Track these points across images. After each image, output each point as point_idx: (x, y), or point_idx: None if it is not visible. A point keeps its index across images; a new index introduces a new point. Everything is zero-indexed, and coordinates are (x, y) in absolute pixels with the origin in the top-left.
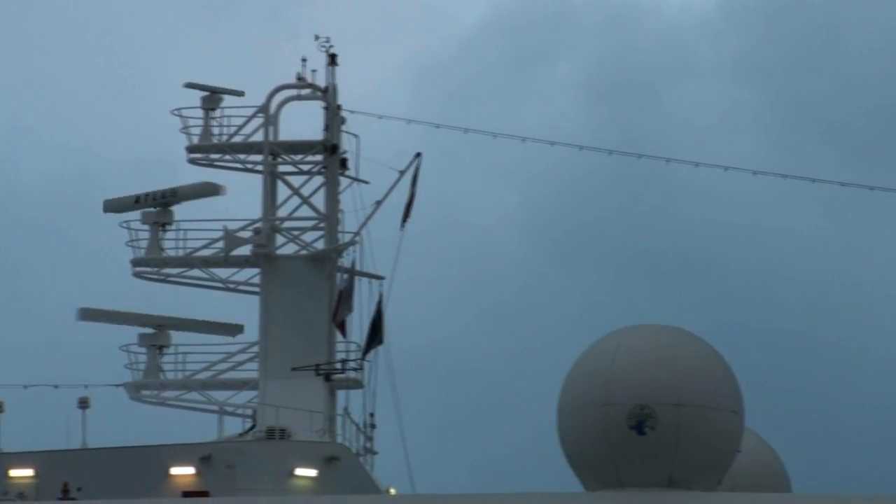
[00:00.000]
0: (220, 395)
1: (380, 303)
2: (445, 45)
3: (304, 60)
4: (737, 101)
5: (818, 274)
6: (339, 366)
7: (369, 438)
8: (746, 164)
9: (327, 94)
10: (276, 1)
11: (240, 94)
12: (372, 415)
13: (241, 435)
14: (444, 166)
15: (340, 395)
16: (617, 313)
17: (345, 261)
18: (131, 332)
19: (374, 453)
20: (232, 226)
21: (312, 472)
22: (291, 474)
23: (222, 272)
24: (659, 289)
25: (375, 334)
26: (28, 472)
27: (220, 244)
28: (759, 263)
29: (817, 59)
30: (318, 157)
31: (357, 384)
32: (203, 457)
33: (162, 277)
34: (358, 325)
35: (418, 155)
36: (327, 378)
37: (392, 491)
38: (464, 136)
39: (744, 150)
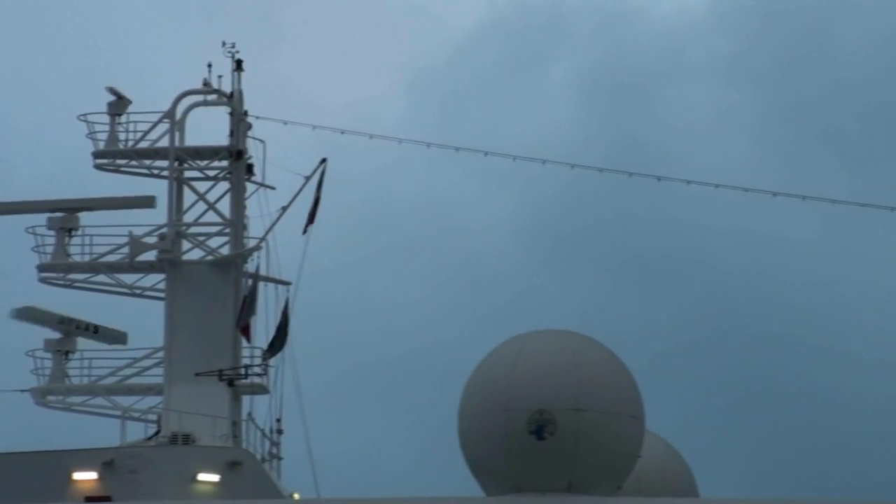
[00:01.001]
0: (126, 401)
1: (286, 308)
2: (441, 49)
3: (209, 66)
4: (729, 103)
5: (812, 278)
6: (242, 371)
7: (275, 444)
8: (740, 167)
9: (232, 100)
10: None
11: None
12: (279, 420)
13: (146, 440)
14: (438, 169)
15: (245, 400)
16: (613, 317)
17: (250, 266)
18: (37, 338)
19: (280, 458)
20: (138, 231)
21: (215, 478)
22: (194, 479)
23: (128, 278)
24: (653, 292)
25: (280, 339)
26: None
27: (126, 250)
28: (753, 268)
29: (809, 61)
30: (224, 163)
31: (262, 389)
32: (105, 462)
33: (68, 283)
34: (264, 330)
35: (324, 160)
36: (230, 383)
37: (296, 496)
38: (455, 142)
39: (737, 153)
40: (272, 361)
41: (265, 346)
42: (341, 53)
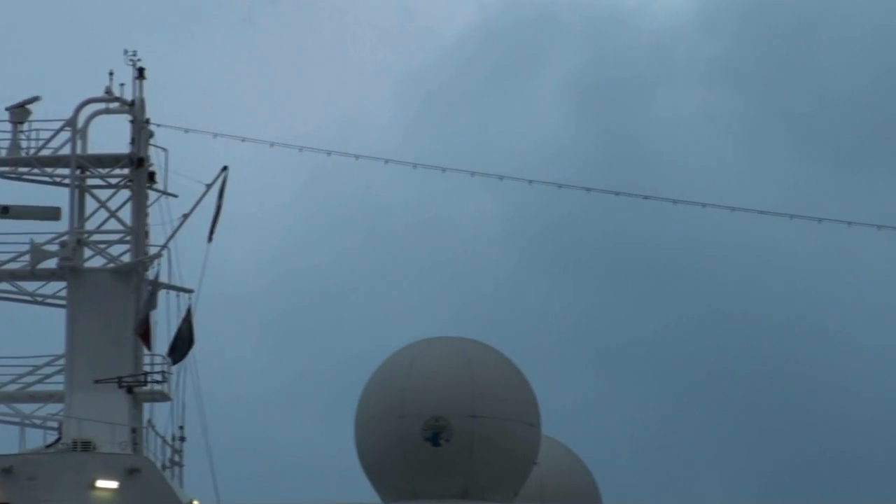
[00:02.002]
0: (28, 408)
1: (188, 313)
2: (435, 53)
3: (111, 74)
4: (716, 106)
5: (798, 288)
6: (141, 378)
7: (177, 451)
8: (727, 169)
9: (134, 108)
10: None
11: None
12: (182, 427)
13: (46, 447)
14: (429, 172)
15: (147, 407)
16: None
17: (150, 273)
18: None
19: (181, 465)
20: (39, 239)
21: (113, 484)
22: (92, 486)
23: (29, 285)
24: (642, 299)
25: (182, 346)
26: None
27: (27, 257)
28: (740, 277)
29: (793, 63)
30: (126, 171)
31: (163, 397)
32: (4, 468)
33: None
34: (166, 337)
35: (225, 168)
36: (130, 390)
37: (195, 503)
38: (448, 141)
39: (724, 155)
40: (172, 368)
41: (167, 354)
42: (331, 60)
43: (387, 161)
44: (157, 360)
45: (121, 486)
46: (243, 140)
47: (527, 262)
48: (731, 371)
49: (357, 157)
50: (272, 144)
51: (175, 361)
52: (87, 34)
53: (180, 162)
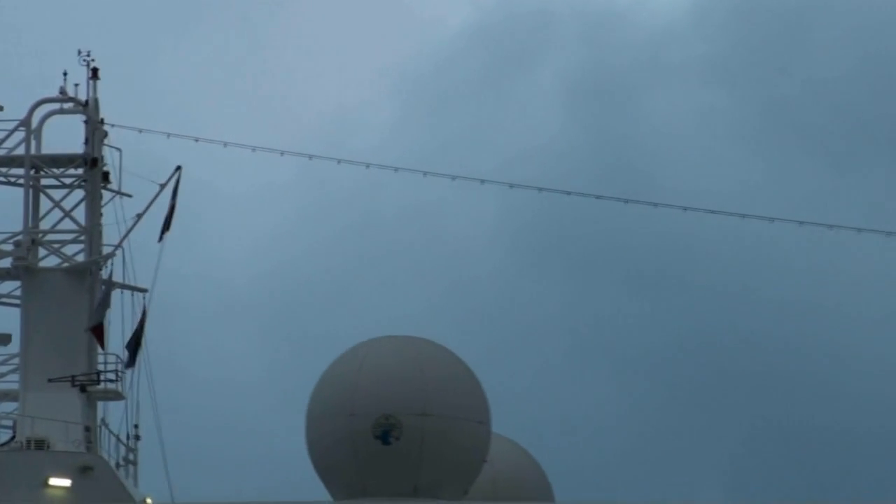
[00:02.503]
0: None
1: (143, 315)
2: (430, 52)
3: (65, 74)
4: (708, 103)
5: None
6: (95, 377)
7: (132, 450)
8: (721, 166)
9: (88, 108)
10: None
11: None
12: (136, 426)
13: (0, 446)
14: (417, 165)
15: (101, 406)
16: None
17: (104, 273)
18: None
19: (134, 464)
20: None
21: (66, 482)
22: (46, 484)
23: None
24: (632, 295)
25: (138, 344)
26: None
27: None
28: (737, 274)
29: (784, 61)
30: (80, 171)
31: (117, 395)
32: None
33: None
34: (120, 337)
35: (178, 168)
36: (83, 389)
37: (149, 501)
38: (441, 139)
39: (718, 152)
40: (127, 366)
41: (121, 353)
42: (329, 57)
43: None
44: (111, 358)
45: (73, 483)
46: (196, 140)
47: (515, 257)
48: (687, 362)
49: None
50: (225, 144)
51: (128, 365)
52: (40, 34)
53: (182, 163)
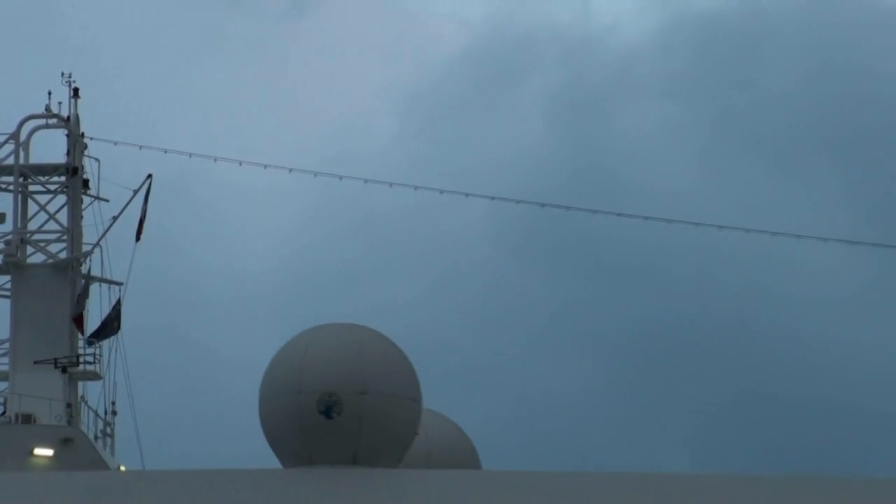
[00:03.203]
0: None
1: (118, 302)
2: (426, 70)
3: (49, 93)
4: (669, 115)
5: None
6: (74, 359)
7: (108, 424)
8: (685, 174)
9: (69, 123)
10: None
11: None
12: (113, 403)
13: None
14: (415, 172)
15: (81, 385)
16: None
17: (84, 268)
18: None
19: (111, 436)
20: None
21: (49, 452)
22: (31, 454)
23: None
24: (600, 284)
25: (108, 327)
26: None
27: None
28: (693, 266)
29: (740, 79)
30: (62, 178)
31: (95, 376)
32: None
33: None
34: (98, 324)
35: (149, 176)
36: (64, 370)
37: (122, 468)
38: (437, 150)
39: (682, 161)
40: (105, 351)
41: (93, 333)
42: (339, 75)
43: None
44: (92, 344)
45: (56, 453)
46: (165, 152)
47: (497, 250)
48: (649, 342)
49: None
50: (190, 156)
51: (96, 338)
52: (27, 57)
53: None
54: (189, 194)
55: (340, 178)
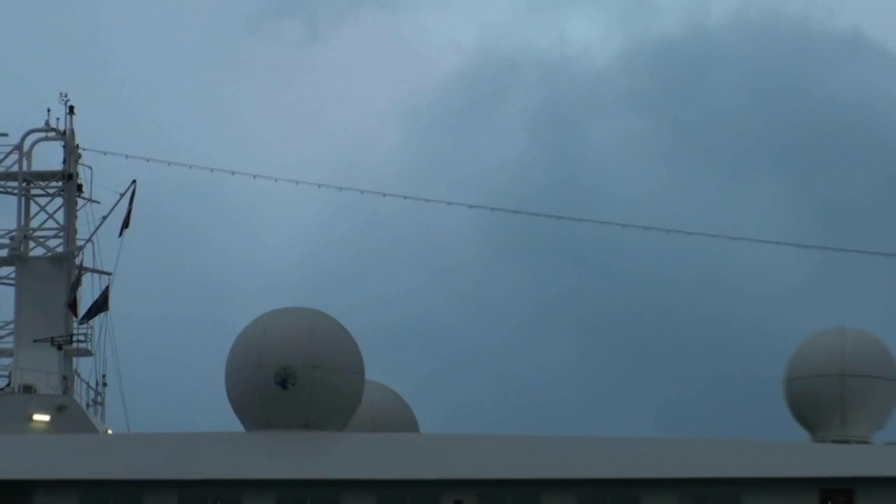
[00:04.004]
0: None
1: (107, 288)
2: (425, 90)
3: (48, 110)
4: (633, 128)
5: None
6: (69, 338)
7: (99, 394)
8: (642, 176)
9: (66, 136)
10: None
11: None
12: (104, 375)
13: (1, 391)
14: (416, 178)
15: (75, 360)
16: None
17: (78, 260)
18: None
19: (101, 404)
20: None
21: (46, 418)
22: (30, 419)
23: None
24: (581, 275)
25: (96, 308)
26: None
27: None
28: (658, 261)
29: (692, 95)
30: (59, 183)
31: (86, 352)
32: None
33: None
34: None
35: (134, 182)
36: (60, 347)
37: (110, 431)
38: (433, 160)
39: (640, 166)
40: (97, 331)
41: (84, 314)
42: (349, 93)
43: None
44: (83, 324)
45: (52, 419)
46: (147, 160)
47: (487, 245)
48: (622, 326)
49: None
50: (169, 164)
51: (85, 318)
52: (30, 80)
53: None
54: (219, 199)
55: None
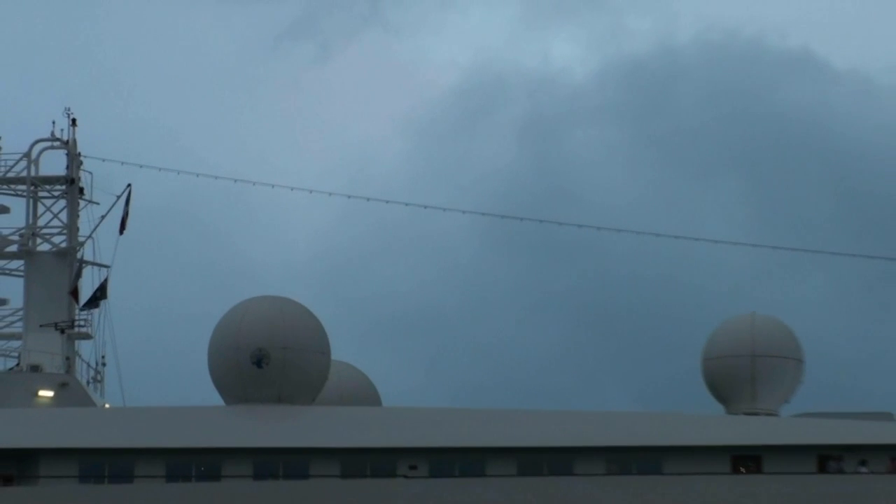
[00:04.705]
0: (0, 344)
1: (105, 280)
2: (426, 104)
3: (53, 123)
4: (609, 138)
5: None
6: (70, 323)
7: (98, 372)
8: (618, 181)
9: (69, 145)
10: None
11: None
12: (103, 356)
13: (9, 370)
14: (419, 184)
15: (77, 343)
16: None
17: (79, 254)
18: None
19: (100, 381)
20: (4, 231)
21: (50, 393)
22: (36, 394)
23: None
24: (561, 266)
25: (96, 296)
26: None
27: None
28: (628, 258)
29: (657, 108)
30: (63, 187)
31: (87, 336)
32: None
33: None
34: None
35: (129, 186)
36: (63, 331)
37: (107, 405)
38: (434, 168)
39: (617, 173)
40: (94, 316)
41: (86, 302)
42: (357, 107)
43: (122, 163)
44: (83, 311)
45: (55, 395)
46: (141, 166)
47: (485, 243)
48: (599, 311)
49: (103, 160)
50: (160, 169)
51: (87, 305)
52: (36, 95)
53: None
54: (245, 203)
55: (349, 197)
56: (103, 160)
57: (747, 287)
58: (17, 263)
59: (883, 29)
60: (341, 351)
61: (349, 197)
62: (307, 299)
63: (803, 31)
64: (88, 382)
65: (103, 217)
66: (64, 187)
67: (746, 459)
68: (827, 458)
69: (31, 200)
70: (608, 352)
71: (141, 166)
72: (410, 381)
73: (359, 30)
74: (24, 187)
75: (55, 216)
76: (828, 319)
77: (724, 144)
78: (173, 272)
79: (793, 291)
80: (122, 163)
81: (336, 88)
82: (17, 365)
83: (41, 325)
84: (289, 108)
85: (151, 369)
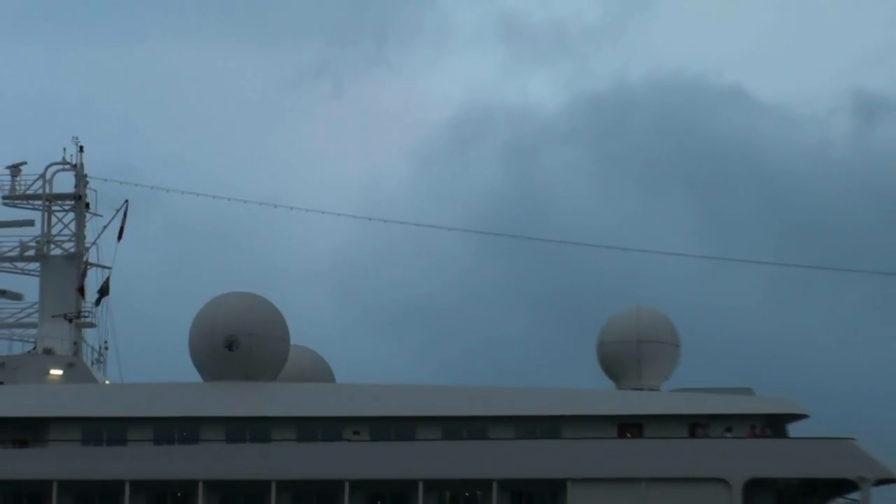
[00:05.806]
0: (20, 331)
1: (107, 278)
2: (426, 133)
3: (64, 149)
4: (575, 158)
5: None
6: (77, 314)
7: (101, 354)
8: (585, 196)
9: (77, 168)
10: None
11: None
12: (106, 342)
13: (27, 353)
14: (420, 201)
15: (84, 331)
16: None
17: (86, 257)
18: None
19: (103, 363)
20: (24, 239)
21: (60, 372)
22: (48, 373)
23: (20, 265)
24: (551, 272)
25: (100, 293)
26: None
27: (18, 249)
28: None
29: (616, 131)
30: (72, 202)
31: (91, 325)
32: (1, 363)
33: None
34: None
35: (126, 202)
36: (71, 321)
37: (107, 382)
38: (431, 188)
39: (582, 189)
40: (97, 309)
41: (95, 299)
42: (365, 135)
43: (121, 182)
44: (89, 305)
45: (64, 373)
46: (136, 185)
47: (481, 248)
48: (579, 305)
49: (105, 179)
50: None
51: (97, 301)
52: (51, 125)
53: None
54: (271, 224)
55: (354, 217)
56: (105, 180)
57: (691, 288)
58: (34, 265)
59: (802, 68)
60: (351, 340)
61: (354, 217)
62: (328, 296)
63: (736, 69)
64: (92, 363)
65: (105, 227)
66: (72, 202)
67: (630, 426)
68: (696, 426)
69: (45, 213)
70: (569, 336)
71: (136, 185)
72: (406, 360)
73: (367, 70)
74: (39, 202)
75: (65, 226)
76: (746, 314)
77: (670, 163)
78: (200, 279)
79: (735, 294)
80: (121, 182)
81: (348, 120)
82: (34, 348)
83: (53, 316)
84: (305, 138)
85: (146, 353)
